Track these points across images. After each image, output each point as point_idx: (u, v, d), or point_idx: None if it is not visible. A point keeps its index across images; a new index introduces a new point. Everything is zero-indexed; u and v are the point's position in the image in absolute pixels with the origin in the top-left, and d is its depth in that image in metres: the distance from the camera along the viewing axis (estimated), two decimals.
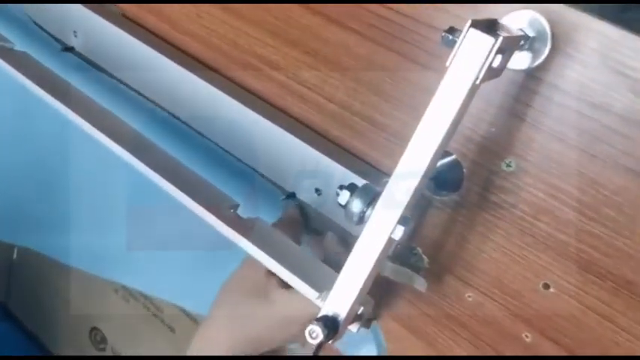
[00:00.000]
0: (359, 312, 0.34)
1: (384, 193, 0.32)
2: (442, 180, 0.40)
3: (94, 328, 0.67)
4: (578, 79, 0.35)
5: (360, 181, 0.42)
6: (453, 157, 0.40)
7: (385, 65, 0.41)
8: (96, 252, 0.62)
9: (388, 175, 0.43)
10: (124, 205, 0.59)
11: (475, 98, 0.32)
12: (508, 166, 0.38)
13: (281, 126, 0.45)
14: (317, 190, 0.44)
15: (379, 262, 0.32)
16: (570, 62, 0.35)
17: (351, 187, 0.34)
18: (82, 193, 0.63)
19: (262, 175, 0.47)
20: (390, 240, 0.32)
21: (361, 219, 0.33)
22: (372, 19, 0.41)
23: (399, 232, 0.32)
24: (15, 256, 0.72)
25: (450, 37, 0.31)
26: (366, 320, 0.36)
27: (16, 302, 0.75)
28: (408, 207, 0.31)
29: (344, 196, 0.34)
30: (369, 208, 0.33)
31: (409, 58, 0.40)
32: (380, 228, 0.32)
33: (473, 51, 0.30)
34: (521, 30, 0.35)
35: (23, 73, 0.48)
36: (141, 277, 0.61)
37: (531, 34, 0.35)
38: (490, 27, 0.32)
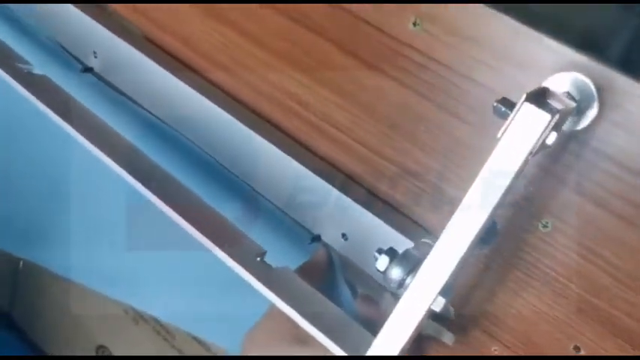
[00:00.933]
0: None
1: (426, 262, 0.31)
2: None
3: (101, 346, 0.67)
4: (623, 145, 0.34)
5: (388, 230, 0.41)
6: None
7: (422, 114, 0.40)
8: (105, 272, 0.61)
9: (418, 223, 0.43)
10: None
11: None
12: (545, 226, 0.37)
13: (308, 166, 0.44)
14: (343, 235, 0.43)
15: (417, 331, 0.32)
16: (616, 129, 0.34)
17: (391, 253, 0.33)
18: (91, 211, 0.61)
19: (287, 215, 0.46)
20: (430, 310, 0.31)
21: (400, 285, 0.32)
22: (409, 66, 0.40)
23: (439, 304, 0.31)
24: (21, 267, 0.71)
25: (503, 108, 0.30)
26: None
27: (20, 314, 0.74)
28: (451, 278, 0.31)
29: (383, 261, 0.33)
30: (410, 276, 0.32)
31: (445, 110, 0.40)
32: (420, 298, 0.31)
33: (527, 126, 0.29)
34: (568, 94, 0.34)
35: (41, 100, 0.46)
36: (151, 301, 0.60)
37: (576, 96, 0.34)
38: (541, 97, 0.31)
